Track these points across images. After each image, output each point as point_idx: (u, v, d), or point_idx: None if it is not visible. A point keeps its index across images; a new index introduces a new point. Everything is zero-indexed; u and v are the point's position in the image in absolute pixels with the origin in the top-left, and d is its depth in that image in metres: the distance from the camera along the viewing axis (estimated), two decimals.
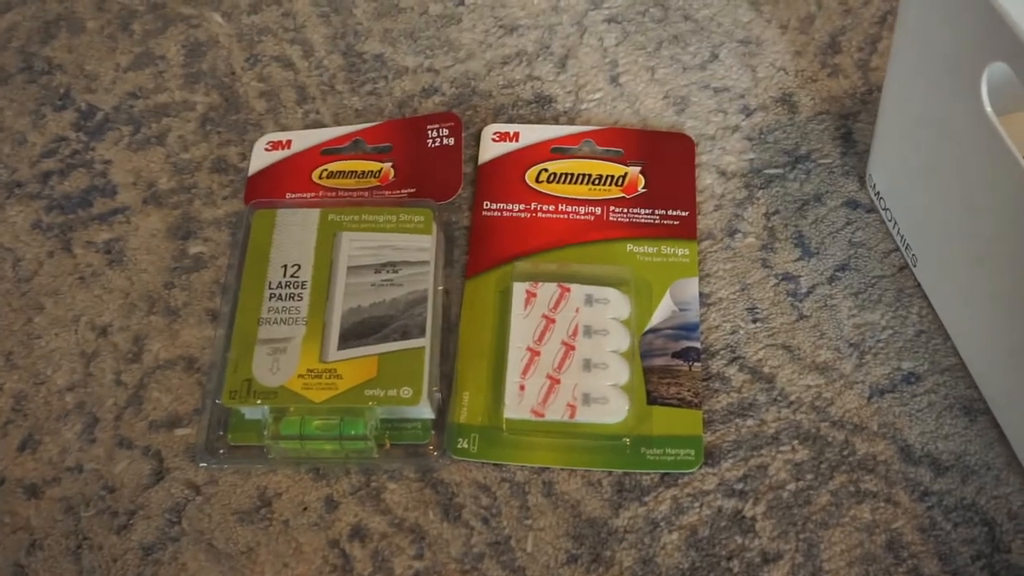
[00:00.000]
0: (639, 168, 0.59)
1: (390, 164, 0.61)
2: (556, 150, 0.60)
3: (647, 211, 0.58)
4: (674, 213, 0.58)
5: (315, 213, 0.57)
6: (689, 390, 0.52)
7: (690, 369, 0.53)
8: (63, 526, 0.51)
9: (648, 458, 0.51)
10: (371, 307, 0.54)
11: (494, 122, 0.62)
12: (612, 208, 0.58)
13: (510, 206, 0.58)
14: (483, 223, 0.58)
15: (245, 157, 0.62)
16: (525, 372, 0.52)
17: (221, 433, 0.52)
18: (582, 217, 0.58)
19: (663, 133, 0.61)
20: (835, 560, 0.48)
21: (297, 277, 0.55)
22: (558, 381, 0.52)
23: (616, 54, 0.65)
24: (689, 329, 0.54)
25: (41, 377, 0.55)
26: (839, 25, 0.66)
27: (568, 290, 0.54)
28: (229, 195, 0.61)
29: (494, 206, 0.59)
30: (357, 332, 0.53)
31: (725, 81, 0.64)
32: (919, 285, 0.55)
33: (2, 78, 0.67)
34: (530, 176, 0.59)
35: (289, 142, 0.62)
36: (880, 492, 0.49)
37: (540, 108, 0.63)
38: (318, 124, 0.63)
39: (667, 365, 0.53)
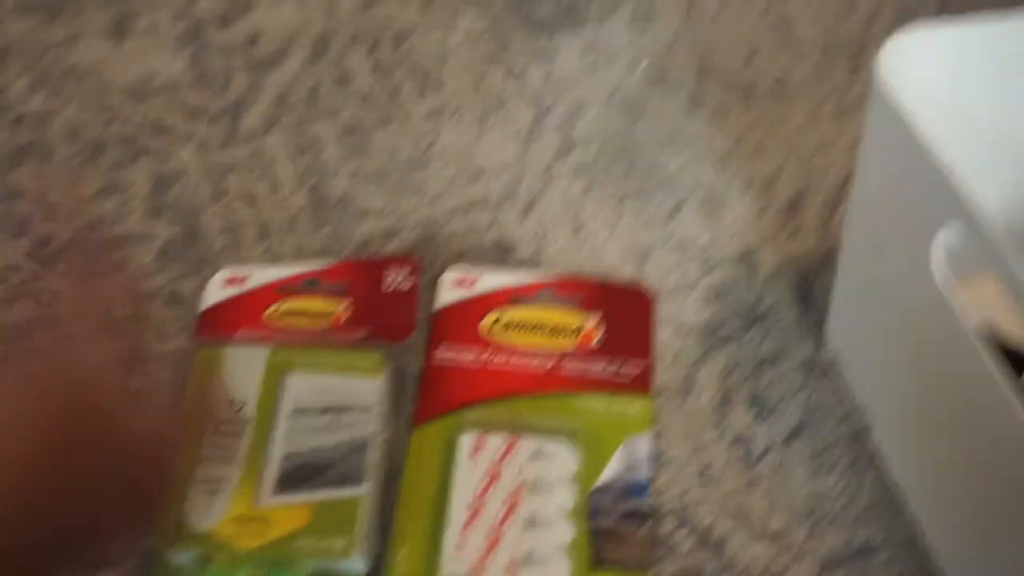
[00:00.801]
0: (596, 320, 0.59)
1: (344, 305, 0.60)
2: (514, 300, 0.60)
3: (601, 365, 0.57)
4: (628, 369, 0.57)
5: (263, 352, 0.56)
6: (636, 554, 0.50)
7: (638, 531, 0.51)
8: None
9: None
10: (311, 451, 0.52)
11: (454, 265, 0.62)
12: (565, 361, 0.57)
13: (462, 354, 0.57)
14: (434, 370, 0.57)
15: (200, 291, 0.62)
16: (466, 528, 0.50)
17: None
18: (533, 369, 0.57)
19: (622, 286, 0.61)
20: None
21: (240, 415, 0.53)
22: (499, 539, 0.50)
23: (581, 204, 0.66)
24: (638, 489, 0.52)
25: None
26: (801, 187, 0.66)
27: (516, 443, 0.53)
28: (178, 330, 0.60)
29: (446, 354, 0.58)
30: (295, 477, 0.51)
31: (687, 237, 0.64)
32: (875, 452, 0.54)
33: None
34: (485, 324, 0.59)
35: (245, 278, 0.61)
36: None
37: (501, 254, 0.63)
38: (277, 259, 0.63)
39: (614, 527, 0.51)
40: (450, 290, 0.60)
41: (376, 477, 0.52)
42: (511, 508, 0.51)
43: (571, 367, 0.57)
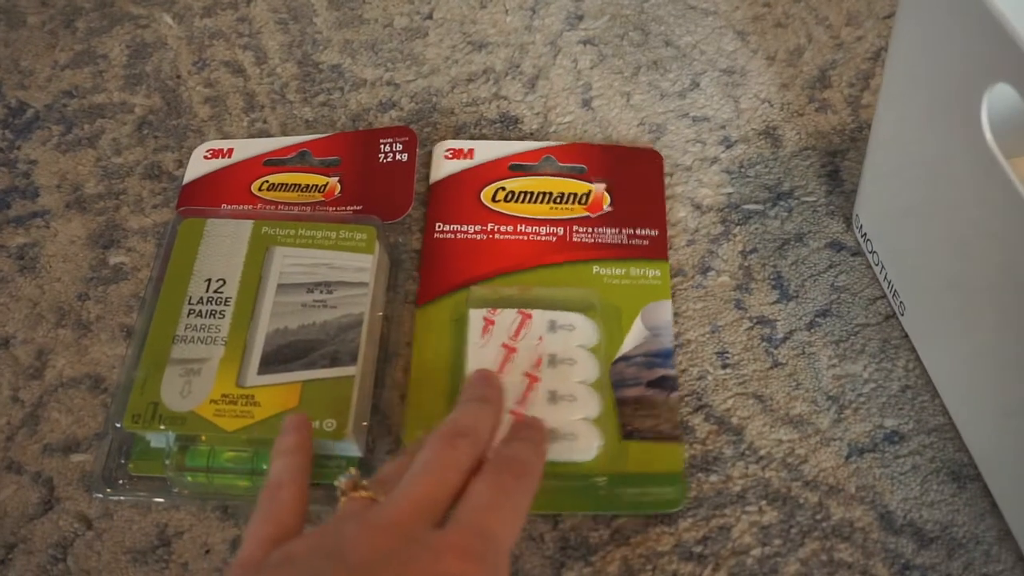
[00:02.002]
0: (604, 185, 0.55)
1: (337, 179, 0.56)
2: (514, 167, 0.56)
3: (614, 231, 0.53)
4: (643, 232, 0.53)
5: (248, 225, 0.51)
6: (667, 422, 0.47)
7: (667, 399, 0.47)
8: None
9: (625, 498, 0.45)
10: (299, 329, 0.48)
11: (449, 138, 0.58)
12: (576, 228, 0.53)
13: (464, 227, 0.53)
14: (435, 246, 0.53)
15: (182, 164, 0.57)
16: None
17: (123, 461, 0.47)
18: (543, 238, 0.53)
19: (629, 149, 0.57)
20: None
21: (221, 292, 0.49)
22: (521, 416, 0.46)
23: (590, 77, 0.61)
24: (663, 356, 0.49)
25: None
26: (829, 59, 0.61)
27: (529, 316, 0.49)
28: (160, 203, 0.56)
29: (447, 227, 0.54)
30: (281, 356, 0.47)
31: (705, 111, 0.59)
32: (906, 336, 0.50)
33: None
34: (486, 195, 0.54)
35: (231, 151, 0.57)
36: (856, 563, 0.44)
37: (505, 128, 0.59)
38: (264, 134, 0.59)
39: (642, 396, 0.48)
40: (446, 162, 0.56)
41: (370, 356, 0.49)
42: (531, 383, 0.47)
43: (582, 235, 0.53)
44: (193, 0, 0.66)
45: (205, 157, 0.57)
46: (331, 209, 0.54)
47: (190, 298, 0.49)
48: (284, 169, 0.56)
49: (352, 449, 0.46)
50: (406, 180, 0.56)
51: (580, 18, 0.64)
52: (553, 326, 0.49)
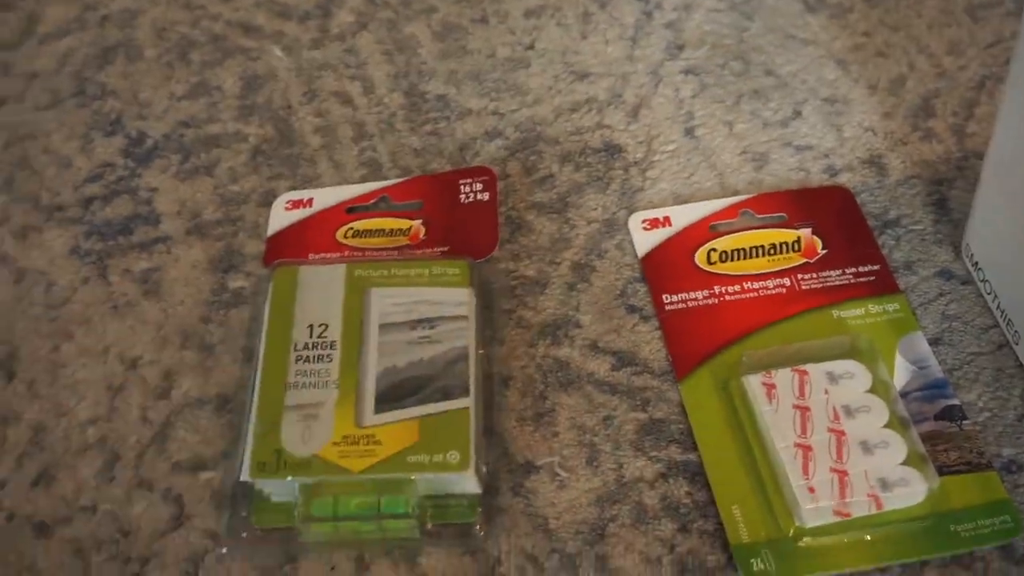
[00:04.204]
0: (810, 230, 0.55)
1: (420, 221, 0.57)
2: (714, 227, 0.56)
3: (837, 272, 0.53)
4: (866, 269, 0.53)
5: (341, 269, 0.52)
6: (971, 451, 0.47)
7: (961, 428, 0.48)
8: (71, 569, 0.46)
9: (962, 535, 0.45)
10: (408, 367, 0.49)
11: (638, 210, 0.58)
12: (800, 276, 0.53)
13: (693, 295, 0.53)
14: (671, 319, 0.53)
15: (296, 190, 0.59)
16: (806, 471, 0.46)
17: (244, 514, 0.47)
18: (773, 292, 0.53)
19: (819, 189, 0.57)
20: None
21: (325, 337, 0.50)
22: (846, 473, 0.46)
23: (692, 106, 0.62)
24: (939, 386, 0.49)
25: (63, 409, 0.51)
26: (932, 88, 0.62)
27: (806, 373, 0.49)
28: None
29: (675, 298, 0.53)
30: (394, 394, 0.48)
31: (808, 139, 0.60)
32: (1021, 366, 0.50)
33: (54, 101, 0.65)
34: (700, 258, 0.54)
35: (311, 200, 0.58)
36: None
37: (609, 157, 0.60)
38: (374, 162, 0.60)
39: (934, 430, 0.48)
40: (645, 234, 0.56)
41: (477, 393, 0.49)
42: (840, 437, 0.47)
43: (809, 282, 0.53)
44: (301, 33, 0.68)
45: (286, 208, 0.58)
46: (419, 252, 0.55)
47: (295, 344, 0.50)
48: (367, 215, 0.57)
49: (472, 485, 0.46)
50: (489, 218, 0.57)
51: (680, 48, 0.65)
52: (832, 377, 0.48)
